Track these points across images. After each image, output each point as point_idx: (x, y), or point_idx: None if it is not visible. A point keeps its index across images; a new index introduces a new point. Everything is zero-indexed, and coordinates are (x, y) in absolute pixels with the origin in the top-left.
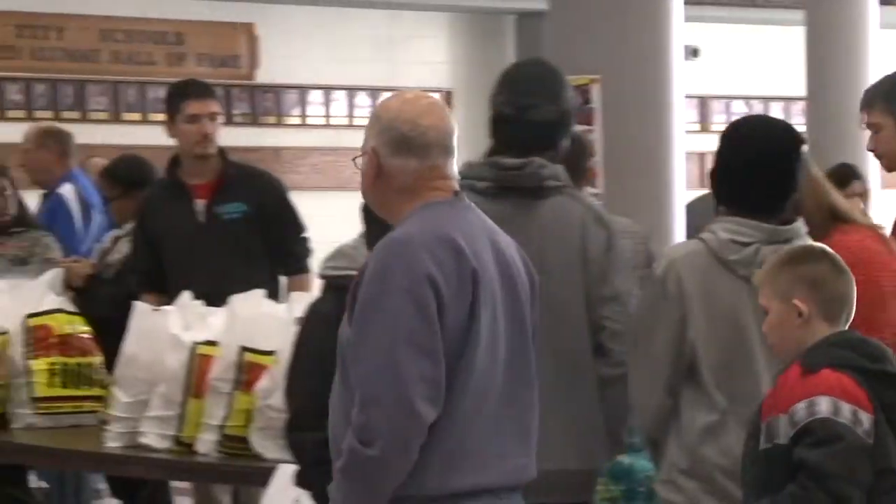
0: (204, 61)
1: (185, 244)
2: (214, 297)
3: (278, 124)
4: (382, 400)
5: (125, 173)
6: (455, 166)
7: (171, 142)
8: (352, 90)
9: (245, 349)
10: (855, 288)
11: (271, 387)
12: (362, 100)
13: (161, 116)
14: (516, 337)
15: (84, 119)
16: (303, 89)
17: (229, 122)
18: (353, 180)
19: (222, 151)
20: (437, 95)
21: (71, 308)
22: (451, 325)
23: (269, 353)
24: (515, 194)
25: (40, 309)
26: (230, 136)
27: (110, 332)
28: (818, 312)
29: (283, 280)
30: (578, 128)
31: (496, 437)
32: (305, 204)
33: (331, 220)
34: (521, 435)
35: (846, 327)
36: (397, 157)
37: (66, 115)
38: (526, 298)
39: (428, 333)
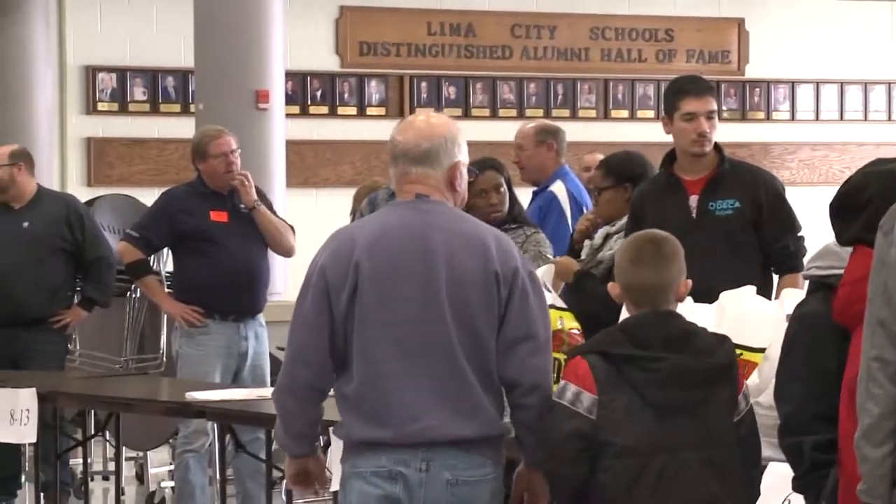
0: (693, 57)
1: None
2: (703, 292)
3: (767, 119)
4: (285, 361)
5: (618, 166)
6: (438, 174)
7: (659, 138)
8: (843, 84)
9: (734, 346)
10: (662, 278)
11: (760, 384)
12: (853, 94)
13: (649, 113)
14: (432, 318)
15: (574, 117)
16: (792, 84)
17: (718, 117)
18: (843, 176)
19: (718, 147)
20: None
21: (560, 304)
22: (339, 304)
23: (759, 349)
24: None
25: None
26: (719, 132)
27: (599, 329)
28: (625, 297)
29: (774, 278)
30: None
31: (402, 398)
32: (794, 199)
33: (819, 217)
34: (434, 399)
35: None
36: (390, 166)
37: (557, 112)
38: (455, 288)
39: (315, 312)
